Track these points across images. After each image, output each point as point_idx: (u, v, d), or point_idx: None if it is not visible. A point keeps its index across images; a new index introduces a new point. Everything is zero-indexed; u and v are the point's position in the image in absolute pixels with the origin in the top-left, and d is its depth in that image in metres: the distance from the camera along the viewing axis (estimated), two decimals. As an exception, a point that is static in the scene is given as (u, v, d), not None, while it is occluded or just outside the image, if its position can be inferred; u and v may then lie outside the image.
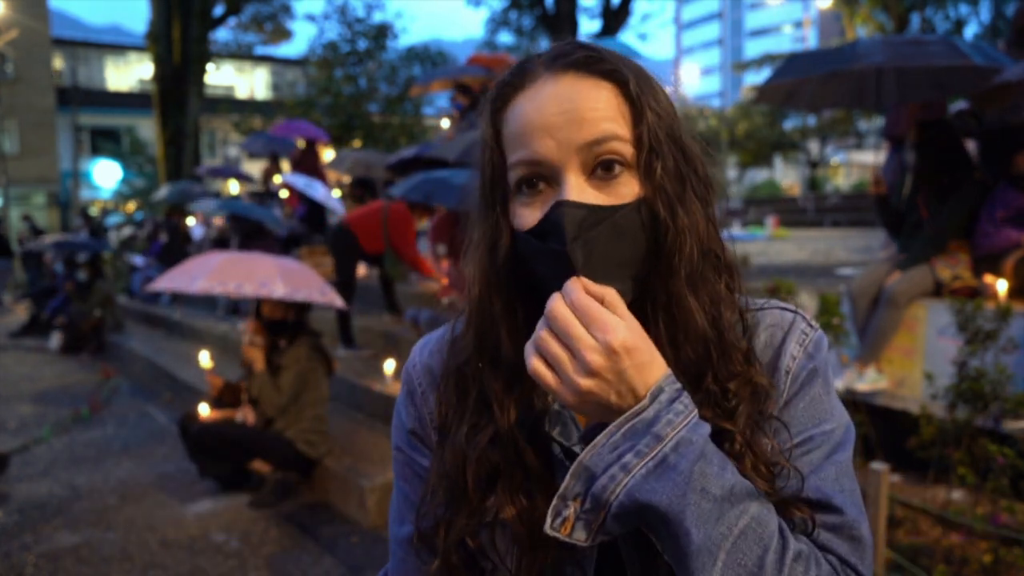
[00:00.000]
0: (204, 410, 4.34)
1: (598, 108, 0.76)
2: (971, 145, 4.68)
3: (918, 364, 3.94)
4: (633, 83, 0.78)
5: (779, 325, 0.86)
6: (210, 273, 4.03)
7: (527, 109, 0.78)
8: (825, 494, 0.79)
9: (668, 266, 0.77)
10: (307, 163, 9.72)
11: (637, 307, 0.78)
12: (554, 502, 0.72)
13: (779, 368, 0.83)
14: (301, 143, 10.19)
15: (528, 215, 0.78)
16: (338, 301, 4.40)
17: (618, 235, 0.75)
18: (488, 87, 0.85)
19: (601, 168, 0.76)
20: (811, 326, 0.87)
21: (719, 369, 0.78)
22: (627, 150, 0.77)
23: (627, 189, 0.77)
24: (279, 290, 3.98)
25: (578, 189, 0.75)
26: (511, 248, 0.81)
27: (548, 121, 0.76)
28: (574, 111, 0.75)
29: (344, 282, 5.97)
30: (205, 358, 4.55)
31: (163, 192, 13.33)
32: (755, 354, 0.82)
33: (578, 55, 0.78)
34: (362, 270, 8.15)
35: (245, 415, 4.30)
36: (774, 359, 0.84)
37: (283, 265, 4.31)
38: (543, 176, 0.77)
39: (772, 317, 0.87)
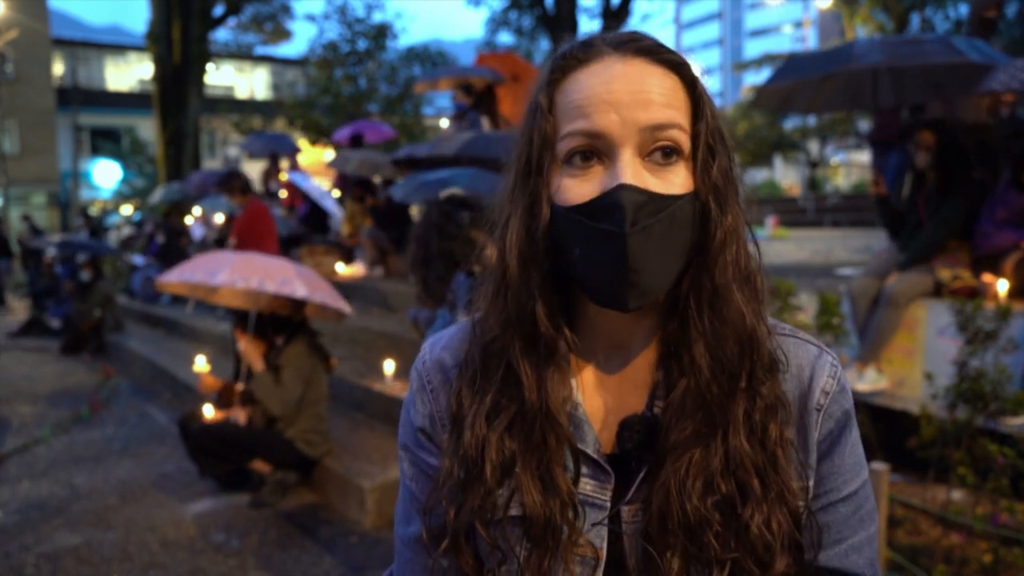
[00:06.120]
0: (208, 412, 4.34)
1: (665, 94, 0.75)
2: None
3: (918, 364, 3.95)
4: (699, 80, 0.79)
5: (802, 349, 0.84)
6: (231, 268, 4.02)
7: (593, 82, 0.76)
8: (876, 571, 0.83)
9: (715, 262, 0.77)
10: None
11: (682, 300, 0.79)
12: None
13: (809, 399, 0.82)
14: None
15: (576, 188, 0.76)
16: (346, 307, 4.44)
17: (673, 225, 0.75)
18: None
19: (659, 153, 0.75)
20: (835, 357, 0.86)
21: (755, 369, 0.78)
22: (686, 141, 0.76)
23: (680, 179, 0.76)
24: (300, 290, 3.98)
25: (634, 170, 0.74)
26: (551, 221, 0.79)
27: (614, 96, 0.74)
28: (642, 92, 0.75)
29: None
30: (201, 362, 4.50)
31: (157, 195, 13.28)
32: (779, 367, 0.80)
33: (648, 42, 0.78)
34: (361, 270, 8.15)
35: (238, 416, 4.30)
36: (800, 387, 0.82)
37: (296, 267, 4.32)
38: (597, 151, 0.76)
39: (793, 343, 0.85)
